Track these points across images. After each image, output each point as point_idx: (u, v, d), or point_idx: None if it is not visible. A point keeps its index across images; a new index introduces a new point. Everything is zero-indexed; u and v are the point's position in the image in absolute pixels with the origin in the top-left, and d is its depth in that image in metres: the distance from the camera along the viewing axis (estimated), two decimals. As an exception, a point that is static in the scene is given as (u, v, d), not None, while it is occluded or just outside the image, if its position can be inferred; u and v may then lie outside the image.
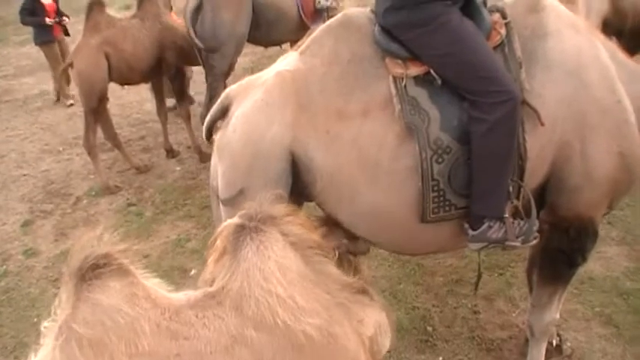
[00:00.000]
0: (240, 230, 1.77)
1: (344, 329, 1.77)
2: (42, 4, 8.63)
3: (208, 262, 1.86)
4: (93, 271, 1.61)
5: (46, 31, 8.74)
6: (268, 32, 6.23)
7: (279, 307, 1.65)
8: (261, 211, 1.81)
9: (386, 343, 2.04)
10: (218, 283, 1.75)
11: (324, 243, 1.92)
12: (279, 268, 1.71)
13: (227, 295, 1.71)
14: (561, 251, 2.88)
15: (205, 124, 3.04)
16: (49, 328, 1.64)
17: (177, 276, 4.56)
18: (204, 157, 6.26)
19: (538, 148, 2.64)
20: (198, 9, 5.89)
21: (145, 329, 1.57)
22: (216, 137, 2.89)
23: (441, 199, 2.62)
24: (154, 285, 1.75)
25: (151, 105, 7.48)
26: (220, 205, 2.88)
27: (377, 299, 2.02)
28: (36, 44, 9.04)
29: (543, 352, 3.20)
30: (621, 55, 2.85)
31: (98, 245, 1.68)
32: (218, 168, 2.85)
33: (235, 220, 1.82)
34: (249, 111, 2.76)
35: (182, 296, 1.75)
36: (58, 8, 8.89)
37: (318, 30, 2.88)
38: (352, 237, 2.85)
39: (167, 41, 6.34)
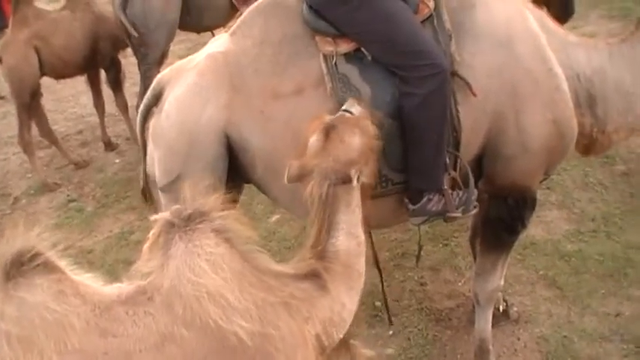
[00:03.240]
0: (170, 227, 1.73)
1: (280, 332, 1.74)
2: None
3: (142, 252, 1.81)
4: (17, 268, 1.56)
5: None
6: (199, 18, 6.10)
7: (211, 306, 1.63)
8: (193, 207, 1.76)
9: (339, 333, 2.00)
10: (150, 277, 1.72)
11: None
12: (211, 266, 1.68)
13: (158, 291, 1.68)
14: (501, 220, 2.92)
15: (139, 112, 2.97)
16: None
17: (122, 269, 4.42)
18: (144, 148, 6.12)
19: (472, 120, 2.65)
20: (127, -4, 5.72)
21: (75, 326, 1.54)
22: (151, 124, 2.83)
23: (378, 175, 2.62)
24: (85, 279, 1.71)
25: (87, 98, 7.26)
26: (159, 192, 2.83)
27: (331, 281, 1.96)
28: None
29: (490, 318, 3.25)
30: (551, 24, 2.88)
31: (25, 241, 1.63)
32: (154, 155, 2.79)
33: (166, 215, 1.77)
34: (182, 95, 2.71)
35: (115, 290, 1.72)
36: None
37: (248, 11, 2.83)
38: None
39: (100, 31, 6.14)
